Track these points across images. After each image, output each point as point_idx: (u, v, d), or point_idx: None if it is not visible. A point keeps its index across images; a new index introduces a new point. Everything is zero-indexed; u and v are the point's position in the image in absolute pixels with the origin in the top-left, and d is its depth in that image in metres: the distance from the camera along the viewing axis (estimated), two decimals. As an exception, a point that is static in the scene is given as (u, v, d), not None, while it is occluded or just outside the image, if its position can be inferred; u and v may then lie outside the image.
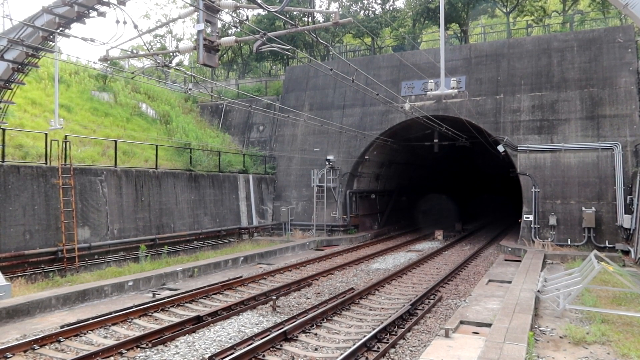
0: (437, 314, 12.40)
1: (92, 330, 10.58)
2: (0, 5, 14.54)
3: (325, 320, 11.54)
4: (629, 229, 19.67)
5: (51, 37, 13.15)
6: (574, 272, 13.20)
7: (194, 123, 30.46)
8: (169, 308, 12.49)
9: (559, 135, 22.92)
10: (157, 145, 21.75)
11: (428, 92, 16.24)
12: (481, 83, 25.42)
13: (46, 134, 16.98)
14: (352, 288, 15.05)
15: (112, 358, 9.08)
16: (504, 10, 36.35)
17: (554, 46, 24.21)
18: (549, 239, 21.89)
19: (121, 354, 9.26)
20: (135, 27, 10.43)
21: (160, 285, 15.40)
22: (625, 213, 20.27)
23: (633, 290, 11.56)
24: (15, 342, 9.46)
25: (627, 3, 10.62)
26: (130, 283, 14.56)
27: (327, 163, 27.40)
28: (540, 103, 23.70)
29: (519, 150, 23.51)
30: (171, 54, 16.54)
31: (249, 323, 11.35)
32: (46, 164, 16.39)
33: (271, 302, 12.86)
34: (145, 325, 11.21)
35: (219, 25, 10.32)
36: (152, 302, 12.57)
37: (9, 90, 14.22)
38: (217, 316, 11.65)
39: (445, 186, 44.41)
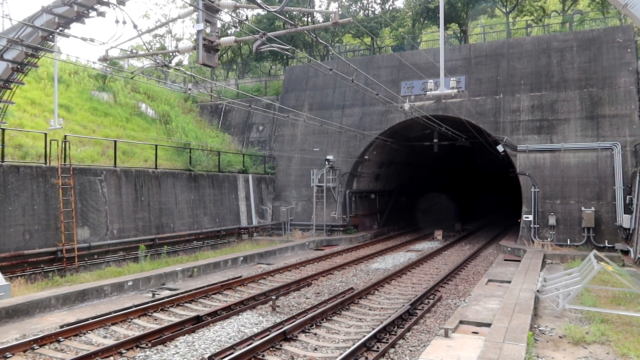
0: (437, 313, 12.41)
1: (91, 330, 10.58)
2: (0, 5, 14.52)
3: (324, 320, 11.54)
4: (629, 229, 19.68)
5: (51, 37, 13.17)
6: (573, 272, 13.21)
7: (194, 123, 30.45)
8: (168, 308, 12.50)
9: (559, 135, 22.93)
10: (156, 145, 21.75)
11: (428, 92, 16.24)
12: (481, 83, 25.43)
13: (46, 134, 16.97)
14: (352, 288, 15.07)
15: (111, 358, 9.08)
16: (504, 10, 36.37)
17: (554, 46, 24.22)
18: (549, 239, 21.91)
19: (121, 353, 9.26)
20: (135, 27, 10.44)
21: (160, 285, 15.40)
22: (625, 213, 20.29)
23: (632, 290, 11.57)
24: (15, 342, 9.46)
25: (626, 3, 10.60)
26: (130, 283, 14.57)
27: (326, 163, 27.40)
28: (540, 103, 23.71)
29: (518, 150, 23.52)
30: (171, 53, 16.55)
31: (249, 323, 11.35)
32: (46, 163, 16.38)
33: (271, 302, 12.87)
34: (145, 325, 11.21)
35: (219, 25, 10.33)
36: (152, 302, 12.57)
37: (9, 90, 14.22)
38: (216, 316, 11.65)
39: (444, 186, 44.40)
